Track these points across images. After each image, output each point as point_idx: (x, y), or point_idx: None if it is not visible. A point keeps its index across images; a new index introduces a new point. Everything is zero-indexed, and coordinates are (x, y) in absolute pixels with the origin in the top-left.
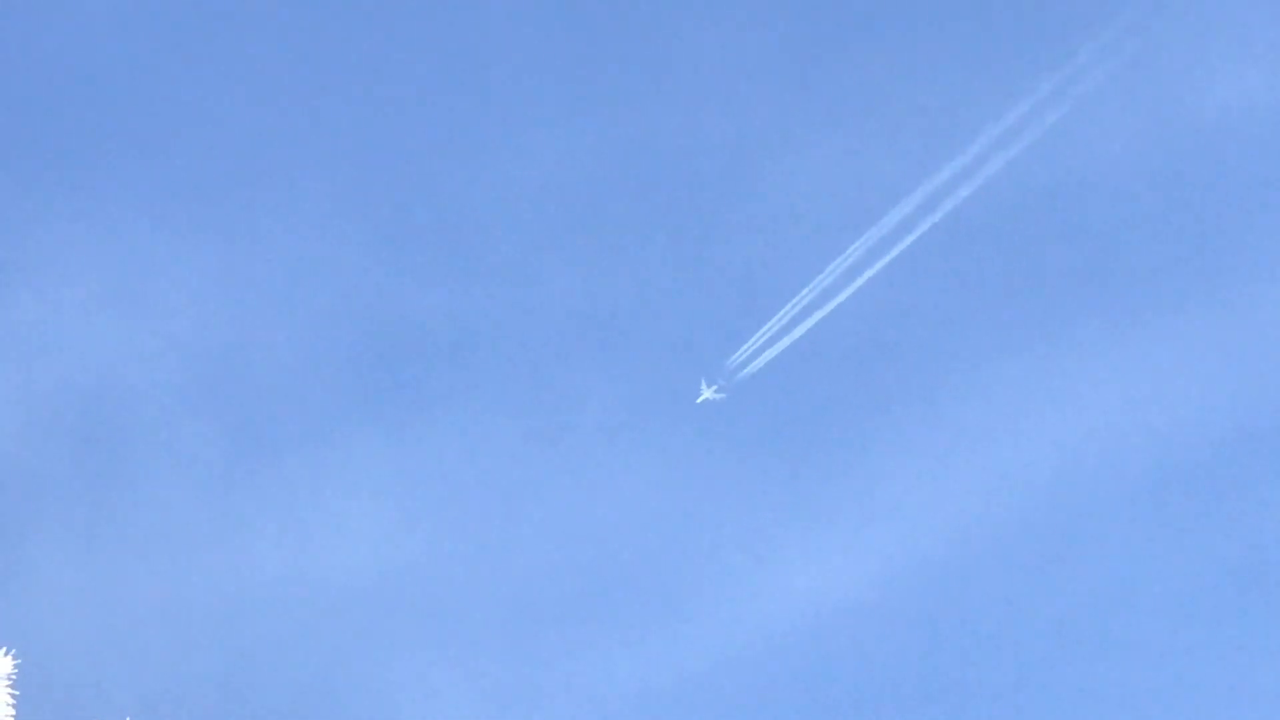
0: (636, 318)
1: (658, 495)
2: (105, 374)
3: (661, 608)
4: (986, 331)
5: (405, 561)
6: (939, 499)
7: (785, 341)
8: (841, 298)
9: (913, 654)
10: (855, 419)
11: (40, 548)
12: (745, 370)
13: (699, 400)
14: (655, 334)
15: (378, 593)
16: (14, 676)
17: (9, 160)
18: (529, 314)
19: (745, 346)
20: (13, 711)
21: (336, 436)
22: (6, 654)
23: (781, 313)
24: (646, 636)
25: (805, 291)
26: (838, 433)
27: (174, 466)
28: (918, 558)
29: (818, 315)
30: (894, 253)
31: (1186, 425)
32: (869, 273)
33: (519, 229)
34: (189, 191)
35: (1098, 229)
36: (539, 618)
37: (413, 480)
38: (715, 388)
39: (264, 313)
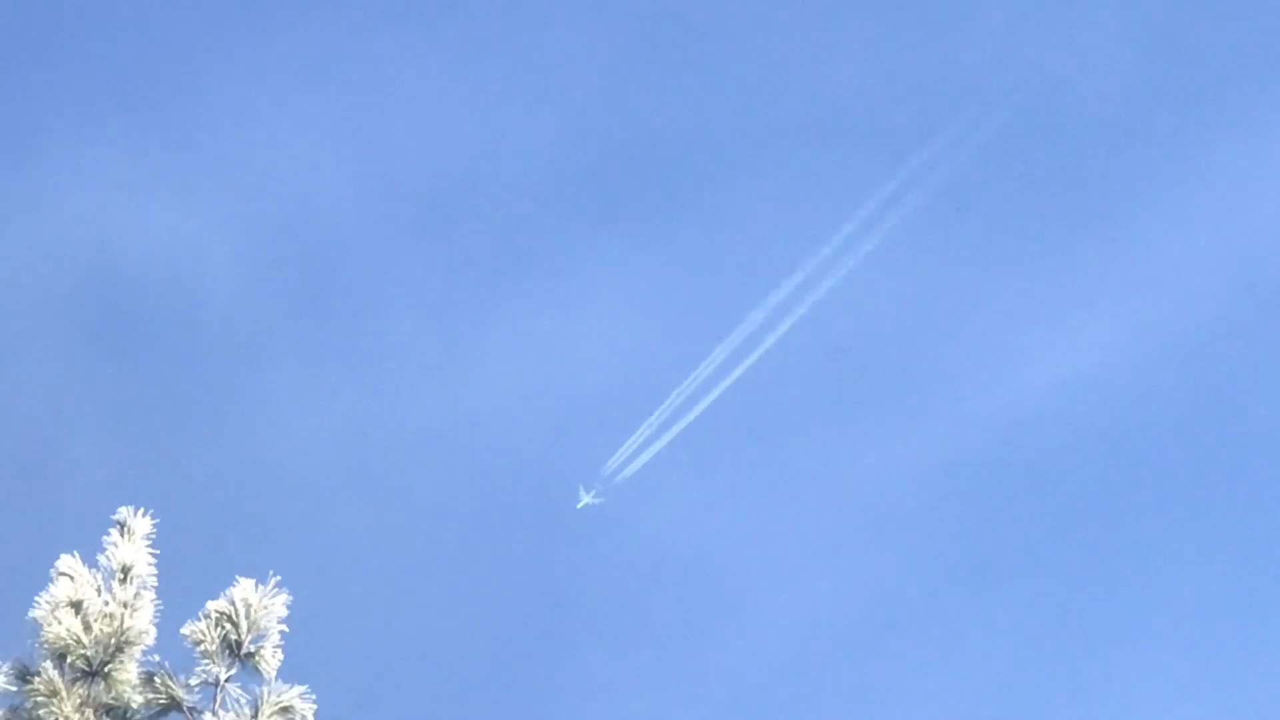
0: (854, 102)
1: (896, 277)
2: (330, 200)
3: (905, 394)
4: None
5: (639, 371)
6: (1184, 274)
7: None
8: None
9: (1158, 438)
10: (1099, 197)
11: (267, 379)
12: None
13: (579, 505)
14: (854, 126)
15: (610, 404)
16: (153, 535)
17: None
18: (755, 118)
19: None
20: (154, 571)
21: (565, 254)
22: (145, 514)
23: None
24: (889, 423)
25: None
26: (1077, 212)
27: (401, 291)
28: (1160, 335)
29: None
30: None
31: None
32: None
33: (751, 35)
34: (417, 7)
35: None
36: (780, 413)
37: (645, 293)
38: (594, 493)
39: (491, 131)
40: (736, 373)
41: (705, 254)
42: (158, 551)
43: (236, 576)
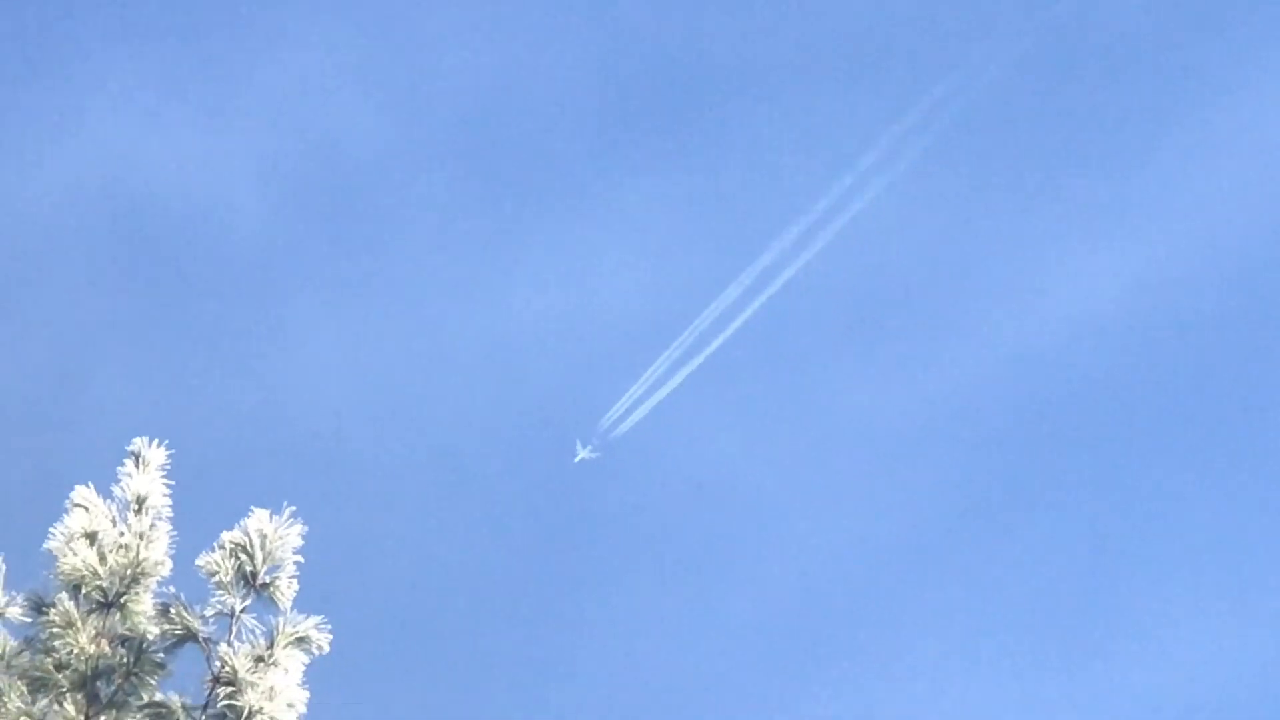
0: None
1: (920, 207)
2: (357, 126)
3: (930, 324)
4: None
5: (661, 301)
6: (1210, 204)
7: None
8: None
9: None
10: (1125, 126)
11: (286, 306)
12: None
13: (576, 460)
14: (877, 55)
15: (641, 332)
16: (168, 465)
17: None
18: (777, 47)
19: None
20: (169, 502)
21: (591, 181)
22: (159, 444)
23: None
24: (915, 354)
25: None
26: (1102, 143)
27: (424, 218)
28: (1186, 265)
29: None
30: None
31: None
32: None
33: None
34: None
35: None
36: (805, 344)
37: (669, 220)
38: (590, 448)
39: (518, 59)
40: (758, 302)
41: (728, 185)
42: (173, 482)
43: (252, 507)
